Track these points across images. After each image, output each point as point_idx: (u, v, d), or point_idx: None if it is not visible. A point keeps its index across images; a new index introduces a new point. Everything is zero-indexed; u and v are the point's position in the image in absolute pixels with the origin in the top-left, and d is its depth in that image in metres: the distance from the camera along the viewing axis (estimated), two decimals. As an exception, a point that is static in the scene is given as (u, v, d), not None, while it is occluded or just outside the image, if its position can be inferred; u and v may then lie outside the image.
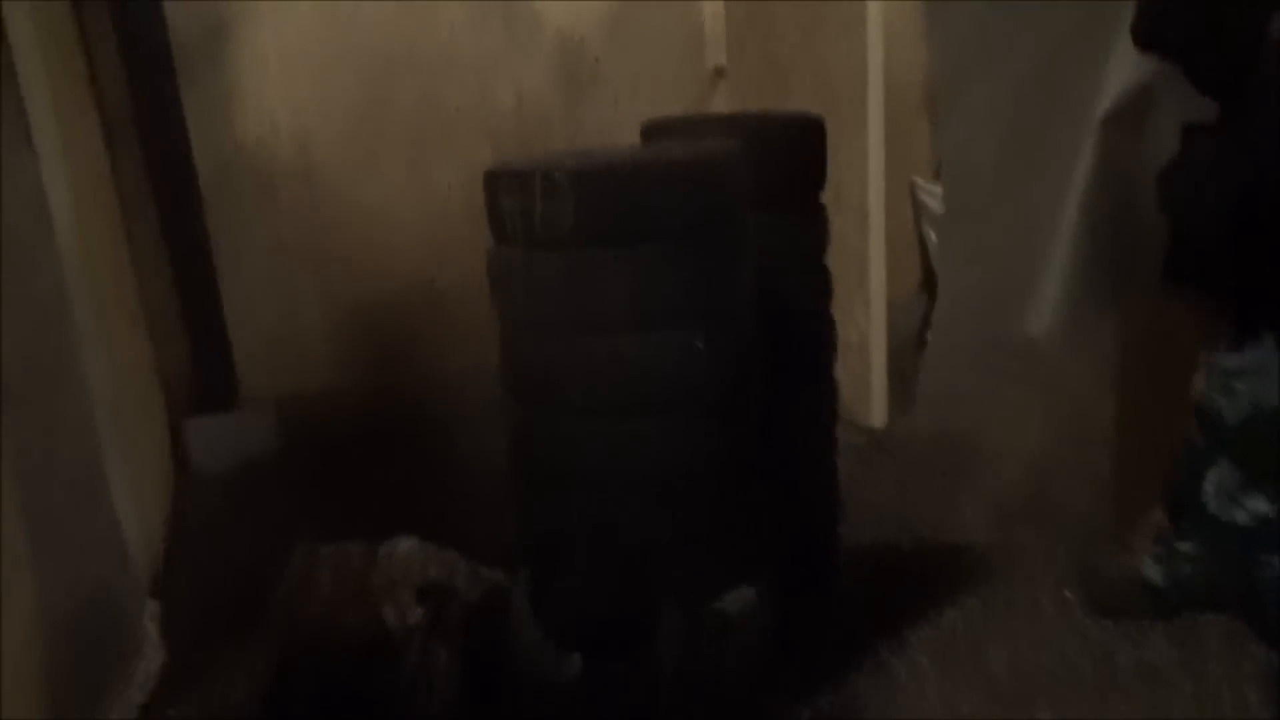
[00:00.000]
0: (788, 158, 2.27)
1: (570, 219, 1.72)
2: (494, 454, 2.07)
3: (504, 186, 1.80)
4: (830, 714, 2.15)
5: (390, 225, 4.27)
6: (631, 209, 1.72)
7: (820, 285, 2.45)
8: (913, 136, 4.91)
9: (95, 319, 2.63)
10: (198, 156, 3.91)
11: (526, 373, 1.90)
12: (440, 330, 4.33)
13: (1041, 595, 2.59)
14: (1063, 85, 2.20)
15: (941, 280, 2.54)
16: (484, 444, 3.83)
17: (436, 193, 4.32)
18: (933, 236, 5.00)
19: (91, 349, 2.56)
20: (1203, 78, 1.81)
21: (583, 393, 1.83)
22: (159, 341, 3.87)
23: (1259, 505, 1.84)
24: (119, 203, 3.72)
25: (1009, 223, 2.33)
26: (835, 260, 2.48)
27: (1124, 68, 2.06)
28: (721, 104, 4.59)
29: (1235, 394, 1.88)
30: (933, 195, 4.90)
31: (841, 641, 2.39)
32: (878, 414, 3.89)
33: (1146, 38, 1.81)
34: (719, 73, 4.63)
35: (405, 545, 2.10)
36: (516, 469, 2.02)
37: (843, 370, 2.59)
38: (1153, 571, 2.39)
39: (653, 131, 2.44)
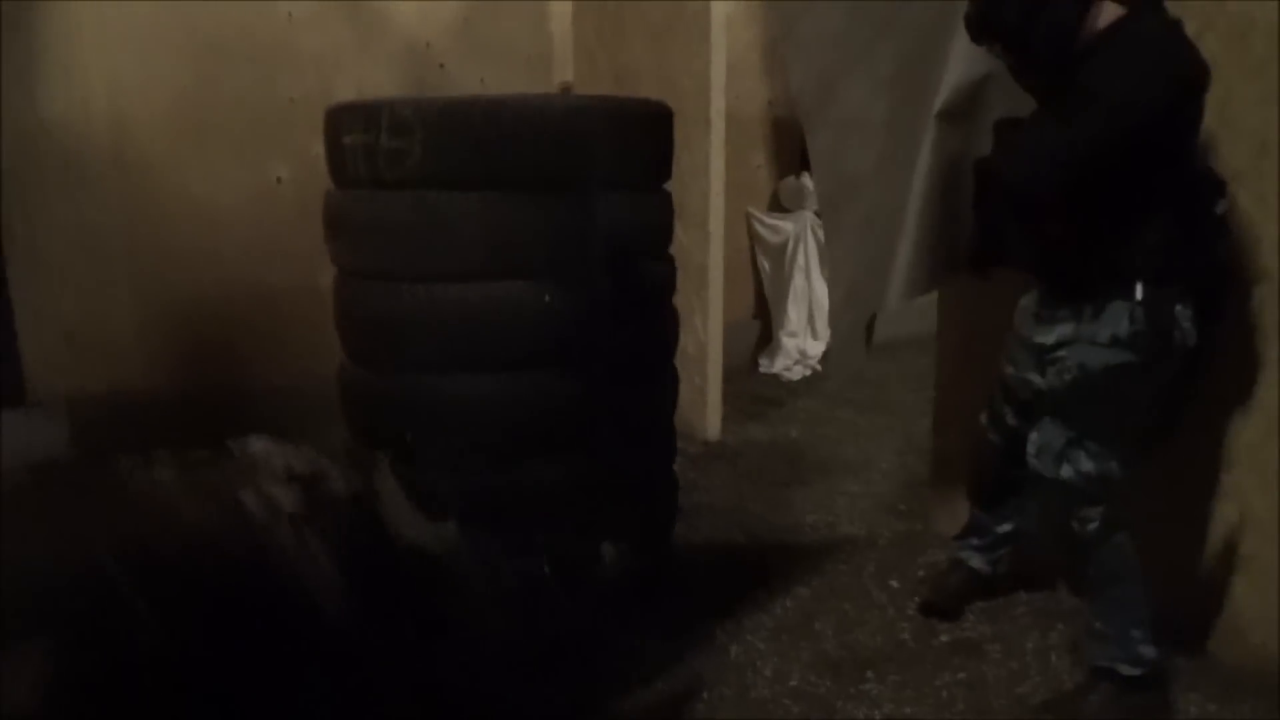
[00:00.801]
0: (637, 137, 2.29)
1: (417, 156, 1.65)
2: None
3: (347, 122, 1.72)
4: (668, 693, 2.12)
5: (215, 218, 4.00)
6: (483, 148, 1.67)
7: (666, 271, 2.47)
8: (749, 169, 5.12)
9: None
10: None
11: (364, 326, 1.80)
12: (268, 332, 4.08)
13: (868, 584, 2.67)
14: (913, 84, 2.34)
15: (831, 266, 2.64)
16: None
17: (267, 186, 4.11)
18: (766, 266, 5.19)
19: None
20: (1023, 70, 1.97)
21: (425, 345, 1.75)
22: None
23: (1083, 463, 1.96)
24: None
25: (873, 213, 2.45)
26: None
27: (959, 66, 2.21)
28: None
29: (1058, 362, 2.01)
30: (767, 226, 5.11)
31: (679, 627, 2.38)
32: (712, 425, 3.95)
33: (977, 29, 1.95)
34: (566, 88, 4.67)
35: (259, 442, 1.81)
36: (356, 431, 1.91)
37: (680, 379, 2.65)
38: (975, 560, 2.51)
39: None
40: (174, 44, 3.85)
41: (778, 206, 5.22)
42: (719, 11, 3.62)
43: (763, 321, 5.26)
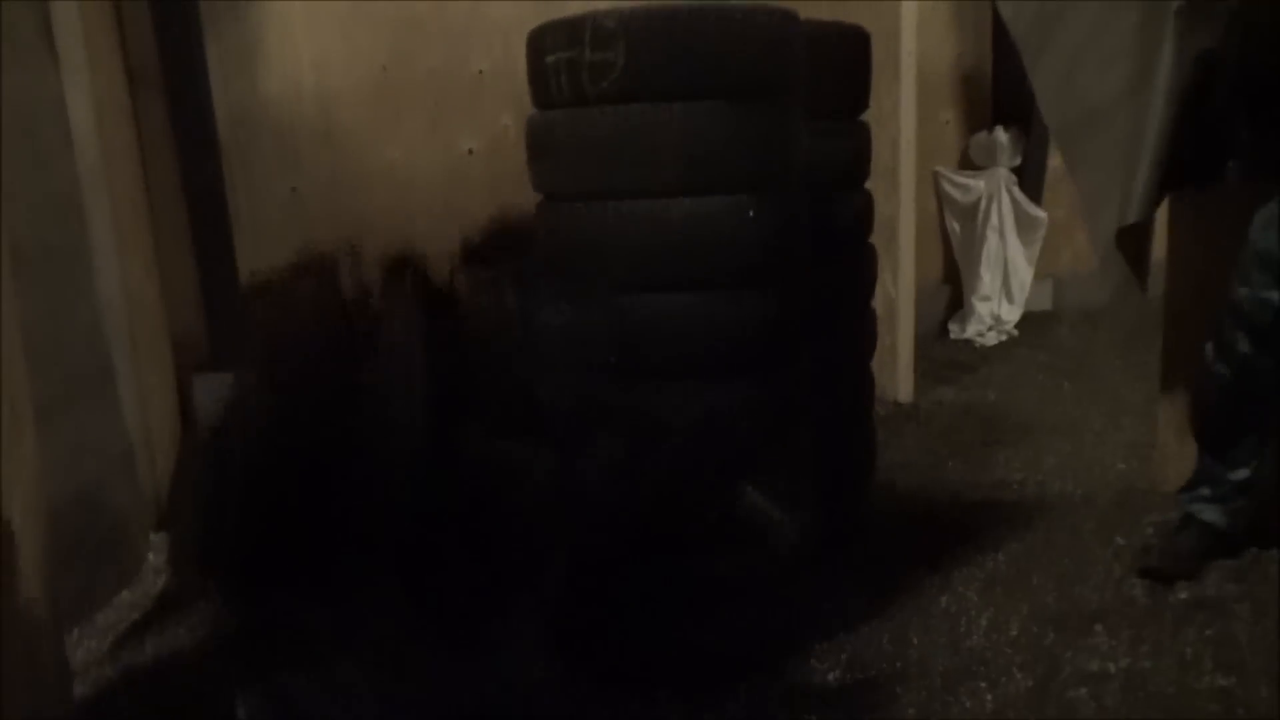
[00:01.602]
0: (838, 62, 2.21)
1: (621, 67, 1.63)
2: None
3: (550, 40, 1.72)
4: (876, 644, 2.02)
5: (410, 188, 4.19)
6: (687, 55, 1.63)
7: (865, 203, 2.37)
8: (937, 125, 4.88)
9: (110, 226, 2.57)
10: (219, 109, 3.86)
11: (568, 242, 1.80)
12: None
13: (1089, 541, 2.46)
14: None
15: (1084, 201, 2.47)
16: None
17: (458, 156, 4.26)
18: (956, 228, 4.93)
19: (104, 252, 2.49)
20: None
21: (628, 263, 1.72)
22: (170, 296, 3.78)
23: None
24: (139, 149, 3.65)
25: (1124, 139, 2.27)
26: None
27: None
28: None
29: None
30: (957, 186, 4.85)
31: (885, 577, 2.27)
32: (904, 386, 3.78)
33: None
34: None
35: None
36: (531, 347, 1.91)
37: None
38: (1209, 512, 2.27)
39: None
40: (374, 23, 4.05)
41: (968, 165, 4.95)
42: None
43: (953, 286, 5.00)
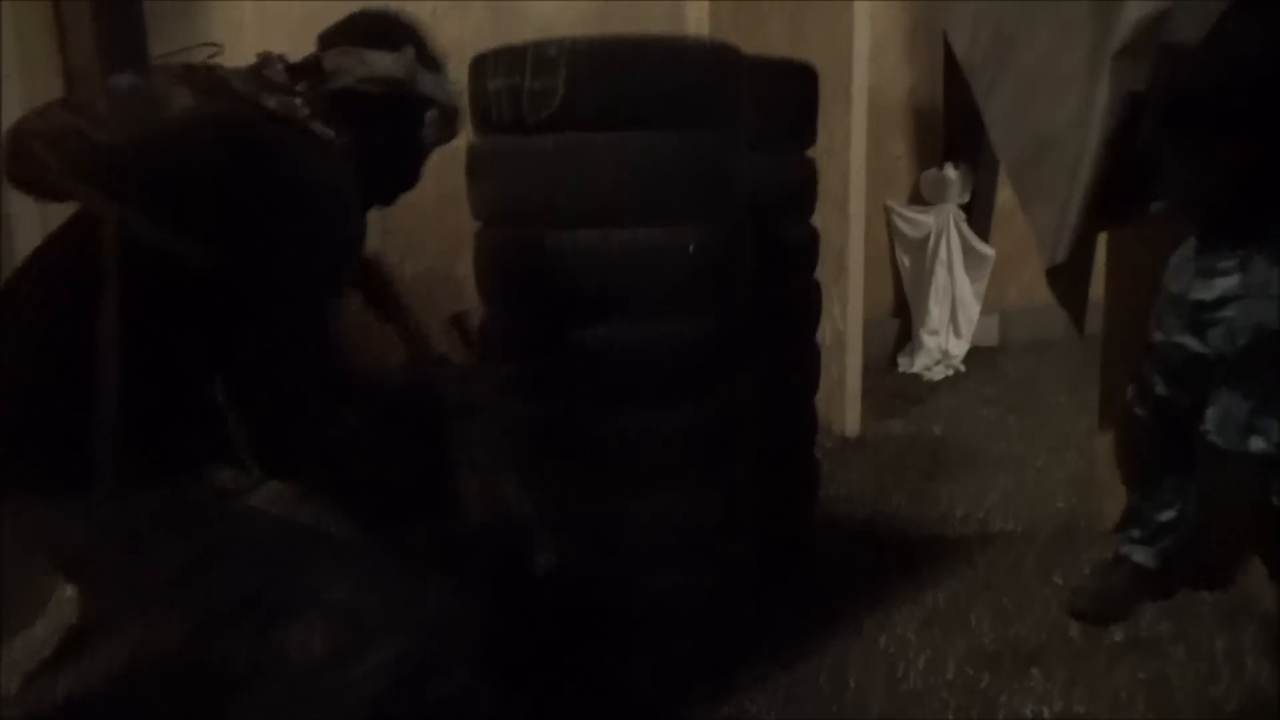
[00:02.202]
0: (783, 96, 2.21)
1: (560, 95, 1.60)
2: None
3: (492, 66, 1.69)
4: (812, 682, 1.99)
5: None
6: (628, 84, 1.61)
7: (809, 235, 2.36)
8: (888, 159, 4.93)
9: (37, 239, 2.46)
10: (161, 120, 3.79)
11: (504, 271, 1.76)
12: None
13: (1028, 578, 2.46)
14: (1103, 25, 2.18)
15: (1036, 233, 2.49)
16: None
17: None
18: (906, 262, 4.98)
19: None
20: None
21: (563, 291, 1.69)
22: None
23: (1276, 432, 1.74)
24: None
25: (1057, 166, 2.29)
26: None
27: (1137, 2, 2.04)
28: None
29: (1224, 322, 1.81)
30: (907, 220, 4.91)
31: (824, 614, 2.25)
32: (851, 419, 3.78)
33: None
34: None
35: None
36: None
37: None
38: (1139, 553, 2.28)
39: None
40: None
41: (918, 199, 5.00)
42: (864, -16, 3.49)
43: (902, 320, 5.04)
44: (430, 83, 1.39)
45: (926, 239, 4.87)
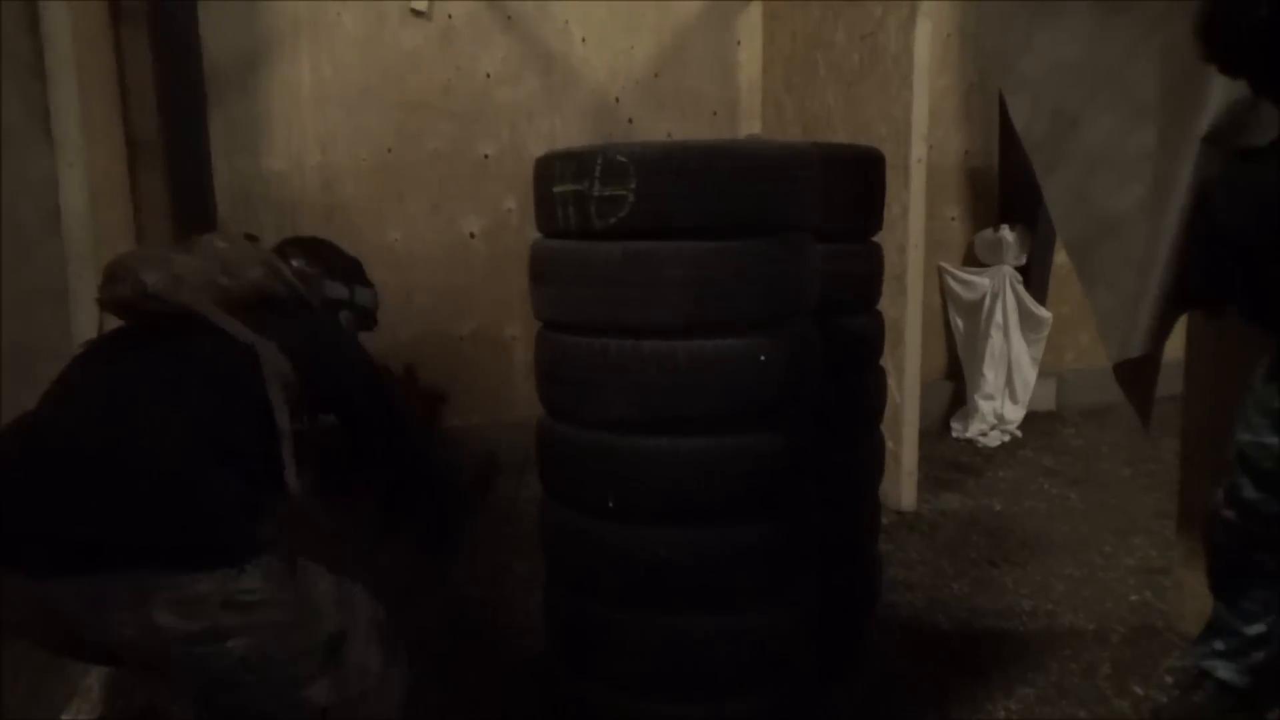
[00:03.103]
0: (849, 183, 2.15)
1: (631, 203, 1.56)
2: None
3: (559, 170, 1.65)
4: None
5: (409, 268, 4.14)
6: (700, 193, 1.56)
7: (876, 327, 2.29)
8: (943, 221, 4.86)
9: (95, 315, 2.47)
10: (219, 185, 3.82)
11: (569, 379, 1.71)
12: (453, 376, 4.16)
13: (1103, 687, 2.34)
14: (1180, 108, 2.11)
15: (1097, 315, 2.41)
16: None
17: (459, 238, 4.21)
18: (960, 324, 4.88)
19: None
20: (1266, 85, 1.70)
21: (634, 405, 1.64)
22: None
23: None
24: (136, 225, 3.61)
25: (1121, 252, 2.21)
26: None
27: (1226, 83, 1.96)
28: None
29: None
30: (962, 282, 4.81)
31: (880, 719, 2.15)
32: (907, 494, 3.68)
33: (1213, 45, 1.71)
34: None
35: None
36: (545, 482, 1.82)
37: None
38: (1224, 669, 2.15)
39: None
40: (381, 104, 4.03)
41: (973, 261, 4.91)
42: (922, 53, 3.44)
43: (955, 383, 4.93)
44: (335, 289, 1.96)
45: (981, 301, 4.77)
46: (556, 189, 1.66)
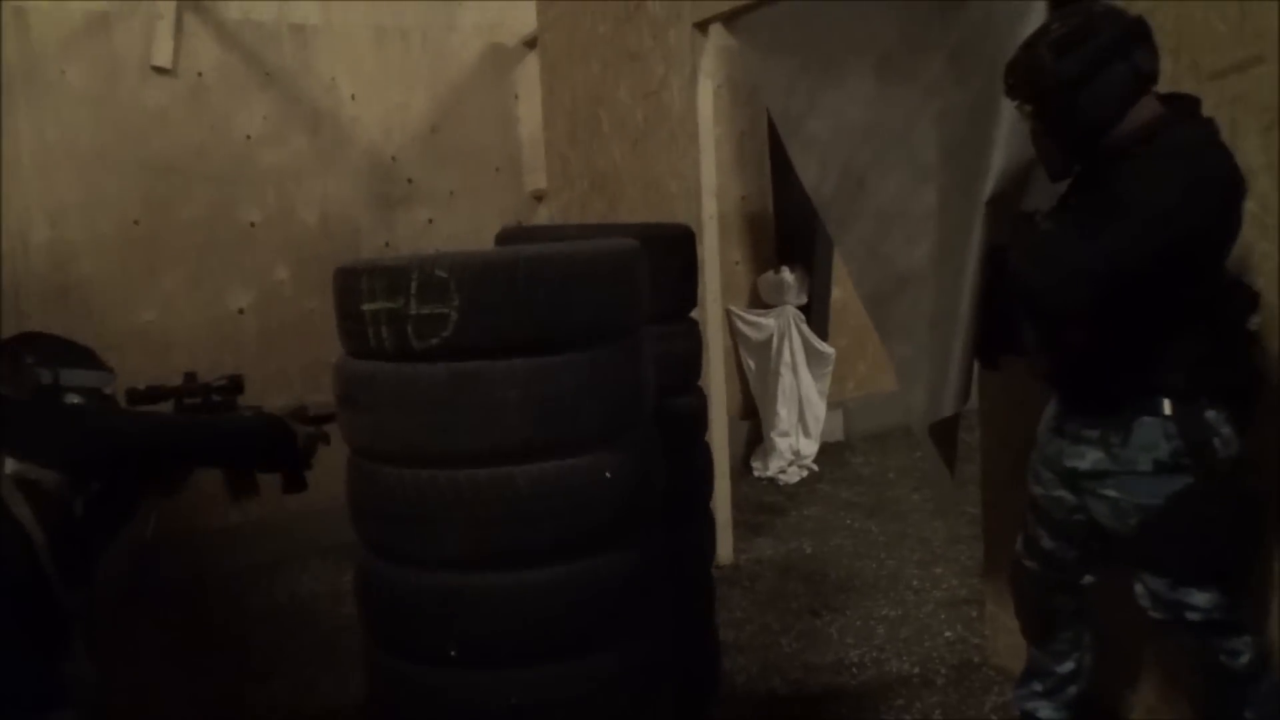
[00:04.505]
0: (667, 267, 2.09)
1: (454, 322, 1.40)
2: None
3: (367, 287, 1.46)
4: None
5: (168, 351, 3.69)
6: (531, 308, 1.43)
7: (699, 405, 2.25)
8: (727, 266, 4.97)
9: None
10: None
11: (394, 515, 1.52)
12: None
13: (937, 735, 2.40)
14: (960, 171, 2.20)
15: (896, 366, 2.44)
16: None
17: (226, 315, 3.81)
18: (751, 364, 5.01)
19: None
20: (1049, 139, 1.82)
21: (473, 540, 1.47)
22: None
23: (1199, 598, 1.76)
24: None
25: (932, 307, 2.27)
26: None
27: (1007, 150, 2.07)
28: (542, 222, 4.43)
29: (1109, 501, 1.84)
30: (749, 323, 4.94)
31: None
32: (724, 547, 3.67)
33: (1017, 80, 1.80)
34: (538, 196, 4.49)
35: None
36: (373, 630, 1.61)
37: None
38: (1043, 709, 2.26)
39: (511, 238, 2.19)
40: (122, 168, 3.58)
41: (757, 302, 5.06)
42: (706, 113, 3.49)
43: (751, 422, 5.04)
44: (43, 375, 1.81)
45: (769, 341, 4.91)
46: (366, 306, 1.47)
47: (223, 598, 3.53)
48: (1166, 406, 1.77)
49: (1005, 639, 2.65)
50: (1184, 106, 1.81)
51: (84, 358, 1.95)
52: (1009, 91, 1.84)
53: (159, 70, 3.59)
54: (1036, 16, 2.04)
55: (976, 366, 2.28)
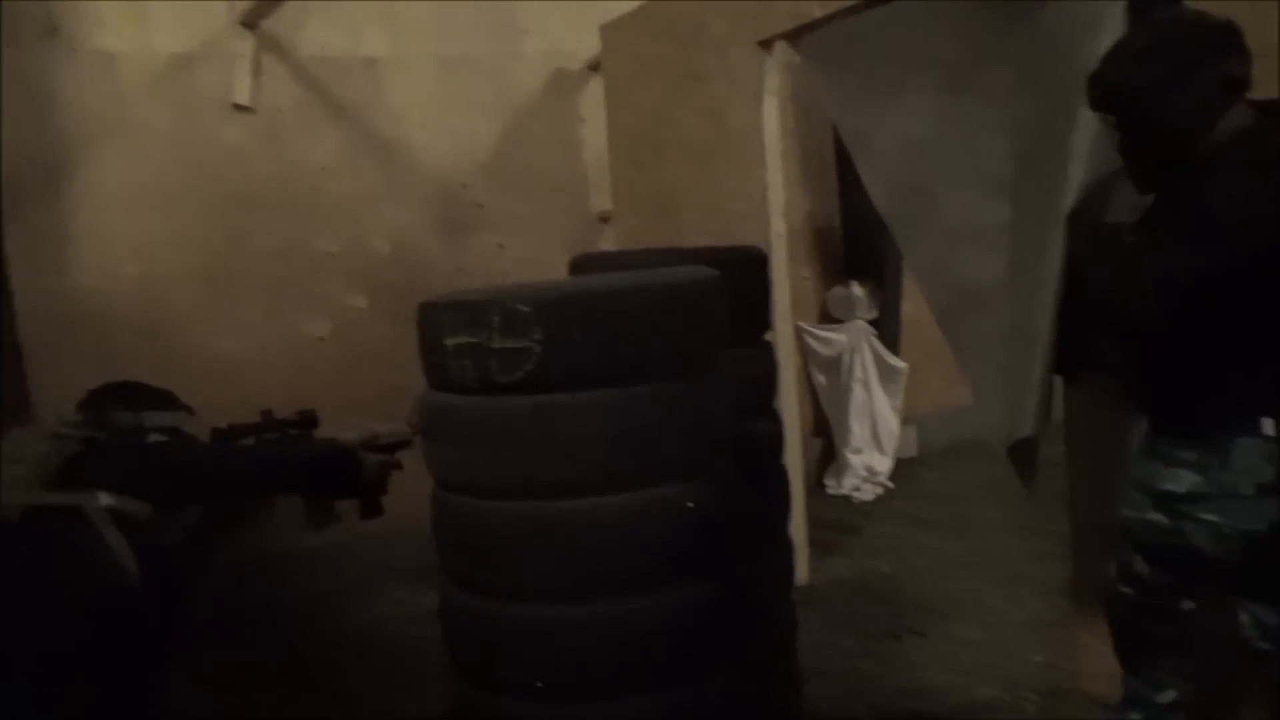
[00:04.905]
0: (741, 290, 2.07)
1: (537, 356, 1.41)
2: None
3: (449, 322, 1.48)
4: None
5: (248, 380, 3.79)
6: (613, 339, 1.43)
7: (776, 430, 2.22)
8: (796, 281, 4.93)
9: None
10: (21, 309, 3.38)
11: (478, 547, 1.53)
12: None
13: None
14: (1035, 183, 2.15)
15: (971, 384, 2.41)
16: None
17: (305, 343, 3.90)
18: (822, 380, 4.95)
19: None
20: (1136, 152, 1.76)
21: (557, 572, 1.48)
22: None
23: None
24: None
25: (1008, 324, 2.22)
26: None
27: (1086, 162, 2.02)
28: (609, 246, 4.45)
29: (1210, 526, 1.76)
30: (819, 339, 4.89)
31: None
32: (800, 568, 3.63)
33: (1100, 93, 1.75)
34: (604, 218, 4.52)
35: None
36: (456, 660, 1.62)
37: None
38: (1144, 744, 2.17)
39: (584, 265, 2.20)
40: (204, 203, 3.71)
41: (827, 318, 5.01)
42: (772, 130, 3.47)
43: (823, 438, 4.99)
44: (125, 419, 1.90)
45: (840, 357, 4.86)
46: (449, 341, 1.49)
47: (303, 620, 3.60)
48: (1268, 427, 1.69)
49: (1098, 664, 2.55)
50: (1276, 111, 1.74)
51: (164, 400, 2.12)
52: (1093, 104, 1.79)
53: (239, 108, 3.71)
54: (1113, 24, 1.99)
55: (1059, 383, 2.23)
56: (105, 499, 1.67)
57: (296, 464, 1.97)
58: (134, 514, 1.68)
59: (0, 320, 3.32)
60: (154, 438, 2.01)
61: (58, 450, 1.78)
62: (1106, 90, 1.75)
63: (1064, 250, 2.10)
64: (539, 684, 1.49)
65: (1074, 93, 1.85)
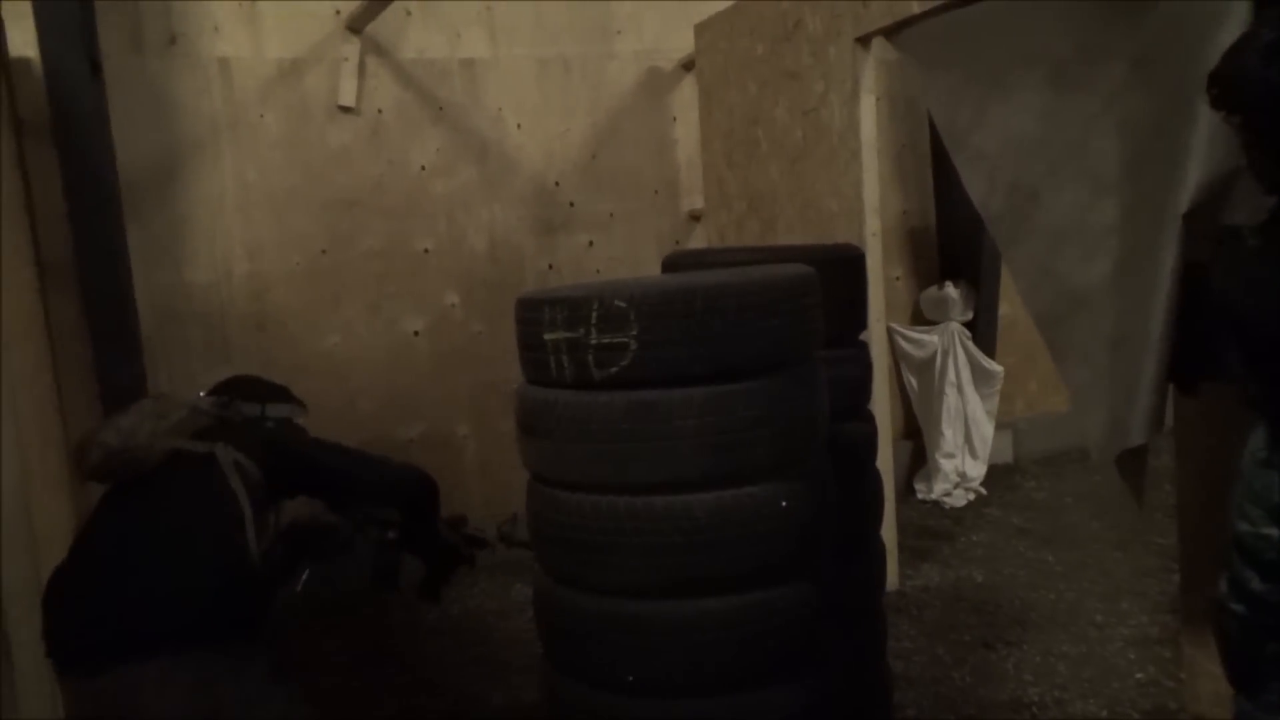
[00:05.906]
0: (837, 289, 2.05)
1: (633, 352, 1.43)
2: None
3: (548, 317, 1.51)
4: None
5: (350, 373, 3.93)
6: (708, 339, 1.44)
7: (870, 432, 2.20)
8: (888, 282, 4.85)
9: (14, 450, 2.56)
10: (141, 302, 3.56)
11: (567, 540, 1.55)
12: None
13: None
14: (1147, 183, 2.07)
15: (1071, 390, 2.36)
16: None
17: (401, 338, 4.02)
18: (914, 383, 4.86)
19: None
20: (1263, 153, 1.67)
21: (650, 568, 1.49)
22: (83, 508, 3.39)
23: None
24: (50, 347, 3.33)
25: (1115, 327, 2.15)
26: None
27: (1204, 160, 1.94)
28: (699, 244, 4.45)
29: None
30: (911, 341, 4.80)
31: None
32: (890, 573, 3.57)
33: (1222, 90, 1.67)
34: (695, 217, 4.52)
35: None
36: (554, 661, 1.65)
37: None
38: (1253, 765, 2.07)
39: (678, 263, 2.21)
40: (310, 206, 3.85)
41: (920, 319, 4.91)
42: (868, 128, 3.42)
43: (914, 442, 4.89)
44: (249, 409, 2.28)
45: (932, 359, 4.75)
46: (547, 336, 1.52)
47: (397, 612, 3.70)
48: None
49: (1206, 684, 2.45)
50: None
51: (281, 394, 2.45)
52: (1214, 103, 1.71)
53: (344, 109, 3.83)
54: (1235, 20, 1.90)
55: (1171, 391, 2.14)
56: (230, 452, 1.96)
57: (380, 470, 2.23)
58: (251, 472, 1.95)
59: (125, 313, 3.50)
60: (270, 425, 2.33)
61: (193, 418, 2.07)
62: (1230, 88, 1.68)
63: (1179, 252, 2.02)
64: (630, 678, 1.50)
65: (1192, 89, 1.77)
